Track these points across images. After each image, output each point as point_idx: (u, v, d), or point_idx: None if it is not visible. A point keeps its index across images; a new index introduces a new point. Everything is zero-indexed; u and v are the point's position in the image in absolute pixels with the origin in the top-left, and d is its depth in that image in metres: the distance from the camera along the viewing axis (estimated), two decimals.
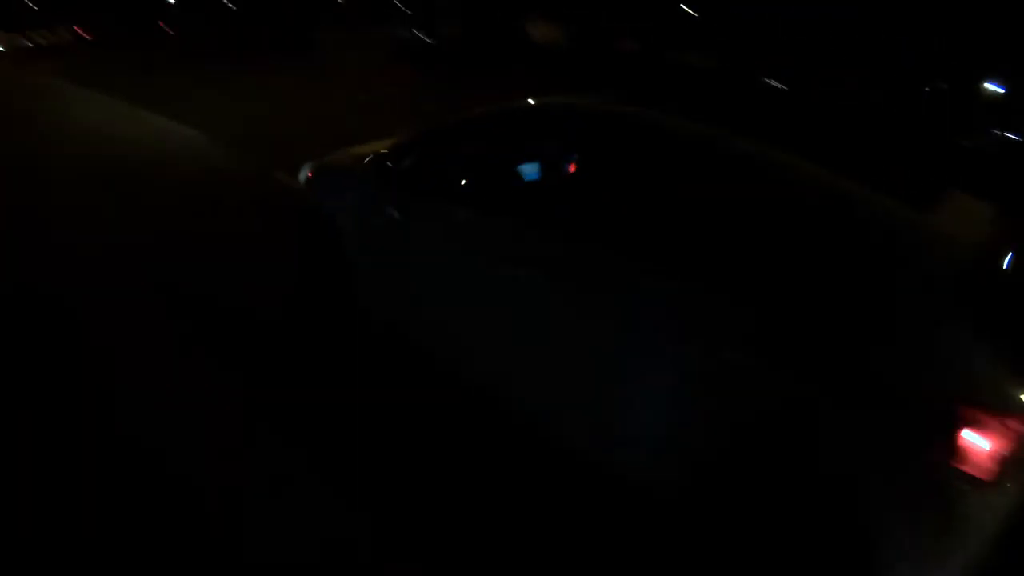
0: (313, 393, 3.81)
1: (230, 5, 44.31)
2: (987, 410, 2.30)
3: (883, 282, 2.56)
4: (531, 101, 3.74)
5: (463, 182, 3.96)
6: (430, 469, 3.33)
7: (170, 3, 44.17)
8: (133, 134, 9.52)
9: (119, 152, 8.34)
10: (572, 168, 3.54)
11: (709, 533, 2.86)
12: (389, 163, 4.21)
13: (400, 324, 4.23)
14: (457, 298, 3.77)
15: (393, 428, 3.59)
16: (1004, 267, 2.64)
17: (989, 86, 22.52)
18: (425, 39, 25.39)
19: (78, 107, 12.23)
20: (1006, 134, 18.95)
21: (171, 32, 38.56)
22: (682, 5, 29.92)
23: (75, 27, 37.59)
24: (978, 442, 2.28)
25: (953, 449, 2.29)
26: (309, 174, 4.94)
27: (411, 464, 3.35)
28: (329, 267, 4.48)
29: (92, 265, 4.85)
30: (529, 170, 3.80)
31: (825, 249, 2.70)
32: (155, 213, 6.33)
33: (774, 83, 21.31)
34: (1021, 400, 2.32)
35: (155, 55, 24.85)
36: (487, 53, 24.26)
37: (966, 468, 2.28)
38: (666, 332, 2.92)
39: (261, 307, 4.61)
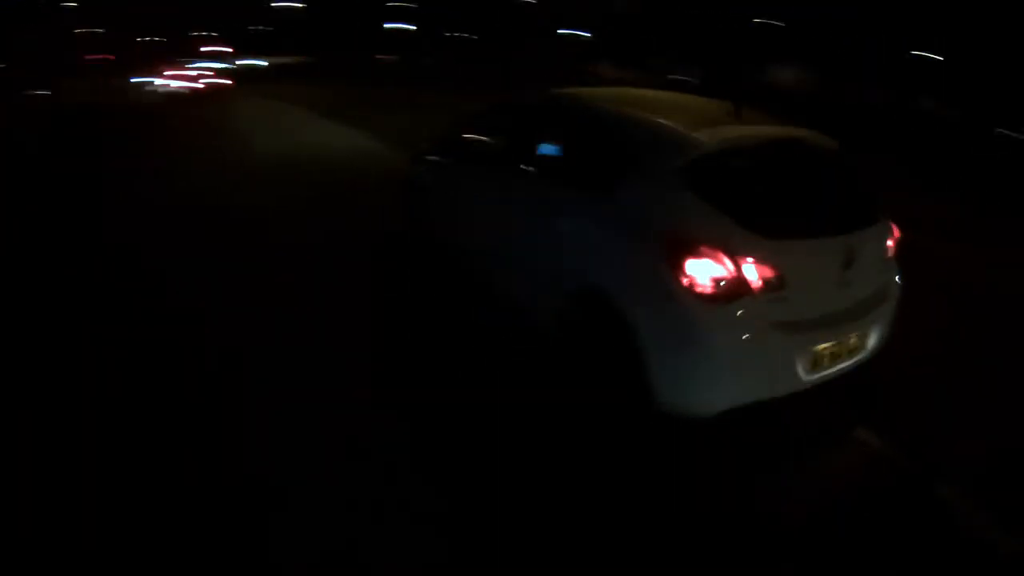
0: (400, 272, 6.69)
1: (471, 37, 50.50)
2: (709, 245, 3.48)
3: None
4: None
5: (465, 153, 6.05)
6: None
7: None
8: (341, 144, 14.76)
9: (331, 154, 13.49)
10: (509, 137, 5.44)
11: (568, 347, 4.29)
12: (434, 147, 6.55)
13: (448, 241, 6.20)
14: (466, 218, 5.76)
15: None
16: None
17: None
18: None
19: (312, 126, 18.03)
20: None
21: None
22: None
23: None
24: (706, 269, 3.47)
25: (687, 276, 3.50)
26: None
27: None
28: (417, 212, 6.83)
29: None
30: (491, 141, 5.68)
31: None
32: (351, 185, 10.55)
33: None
34: (742, 240, 3.50)
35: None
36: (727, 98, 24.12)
37: (699, 290, 3.45)
38: (538, 216, 4.61)
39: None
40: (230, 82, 35.36)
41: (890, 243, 4.28)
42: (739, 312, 3.46)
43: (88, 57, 44.63)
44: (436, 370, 4.71)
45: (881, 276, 4.23)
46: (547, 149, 4.88)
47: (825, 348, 3.72)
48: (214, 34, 55.06)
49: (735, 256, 3.47)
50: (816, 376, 3.74)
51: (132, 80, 33.47)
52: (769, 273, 3.50)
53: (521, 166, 4.98)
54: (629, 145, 4.14)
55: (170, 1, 53.29)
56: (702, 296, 3.46)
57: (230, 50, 48.14)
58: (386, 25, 59.44)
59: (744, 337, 3.46)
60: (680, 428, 3.66)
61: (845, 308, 3.91)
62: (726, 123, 4.16)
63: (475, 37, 54.93)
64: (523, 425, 4.03)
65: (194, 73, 36.05)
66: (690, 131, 3.95)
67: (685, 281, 3.49)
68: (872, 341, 4.07)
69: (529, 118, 5.32)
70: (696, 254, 3.50)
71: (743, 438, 3.84)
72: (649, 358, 3.61)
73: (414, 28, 58.73)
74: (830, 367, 3.80)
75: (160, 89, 32.25)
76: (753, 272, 3.47)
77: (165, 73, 35.01)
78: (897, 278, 4.37)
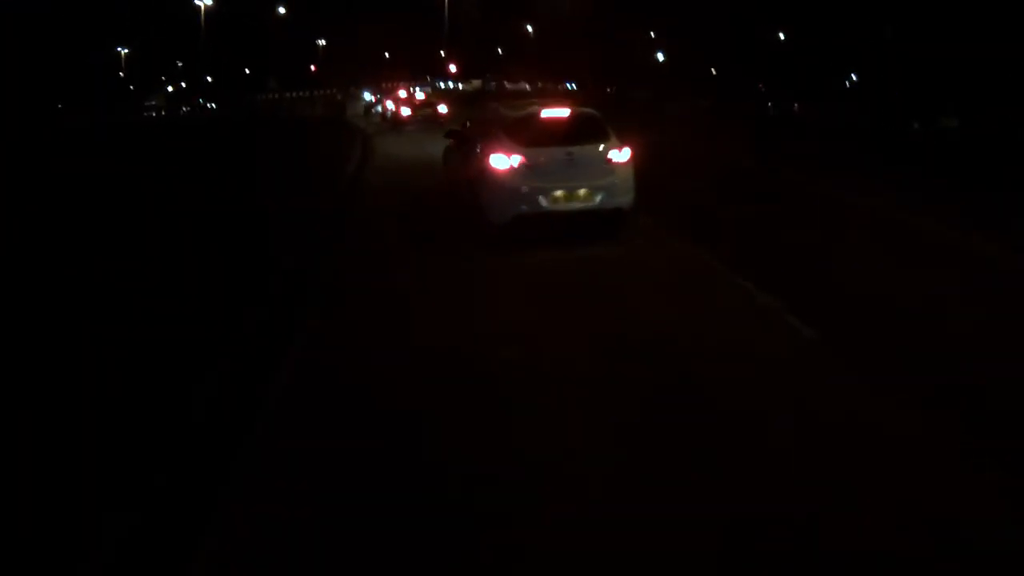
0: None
1: None
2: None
3: None
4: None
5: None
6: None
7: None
8: None
9: None
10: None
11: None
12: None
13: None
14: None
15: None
16: None
17: None
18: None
19: None
20: None
21: None
22: None
23: None
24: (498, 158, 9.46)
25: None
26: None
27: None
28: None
29: None
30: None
31: None
32: None
33: None
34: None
35: None
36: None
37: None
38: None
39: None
40: None
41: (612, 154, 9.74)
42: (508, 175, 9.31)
43: None
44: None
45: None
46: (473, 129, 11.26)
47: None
48: None
49: (509, 153, 9.31)
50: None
51: None
52: (523, 161, 9.26)
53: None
54: (491, 122, 10.31)
55: None
56: (493, 169, 9.38)
57: None
58: None
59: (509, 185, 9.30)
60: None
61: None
62: (530, 108, 10.29)
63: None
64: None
65: None
66: (509, 112, 10.07)
67: (488, 164, 9.47)
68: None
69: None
70: (493, 152, 9.45)
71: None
72: (480, 199, 9.70)
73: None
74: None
75: None
76: (516, 160, 9.26)
77: None
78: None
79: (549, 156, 9.46)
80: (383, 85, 70.27)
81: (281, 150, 23.34)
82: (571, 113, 10.07)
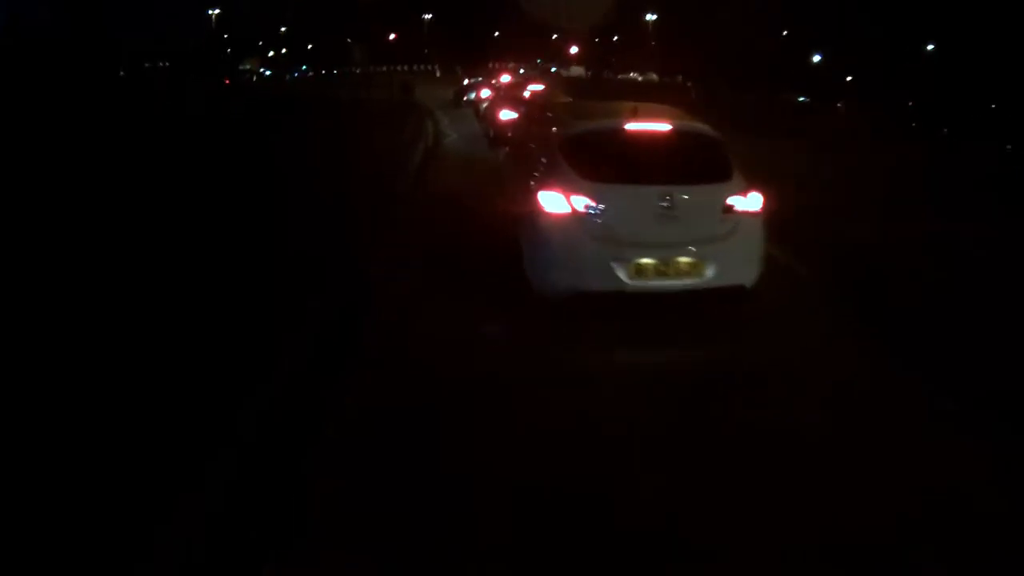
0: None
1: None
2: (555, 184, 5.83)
3: None
4: None
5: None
6: None
7: None
8: None
9: None
10: None
11: None
12: None
13: None
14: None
15: None
16: None
17: None
18: None
19: None
20: None
21: None
22: None
23: None
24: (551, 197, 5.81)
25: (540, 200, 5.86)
26: None
27: None
28: None
29: None
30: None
31: None
32: None
33: None
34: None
35: None
36: None
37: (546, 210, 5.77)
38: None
39: None
40: None
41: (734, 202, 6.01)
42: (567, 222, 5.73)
43: None
44: None
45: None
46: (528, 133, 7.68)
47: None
48: None
49: (568, 191, 5.73)
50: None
51: None
52: (592, 203, 5.69)
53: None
54: (548, 130, 6.65)
55: None
56: (546, 212, 5.78)
57: None
58: None
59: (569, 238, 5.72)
60: None
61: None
62: (608, 117, 6.53)
63: None
64: None
65: None
66: (572, 121, 6.33)
67: (539, 204, 5.83)
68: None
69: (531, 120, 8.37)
70: (547, 188, 5.85)
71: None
72: (524, 252, 6.09)
73: None
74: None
75: None
76: (580, 201, 5.69)
77: None
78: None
79: (635, 200, 5.87)
80: (490, 66, 67.00)
81: None
82: (674, 129, 6.28)
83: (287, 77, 78.63)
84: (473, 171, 12.57)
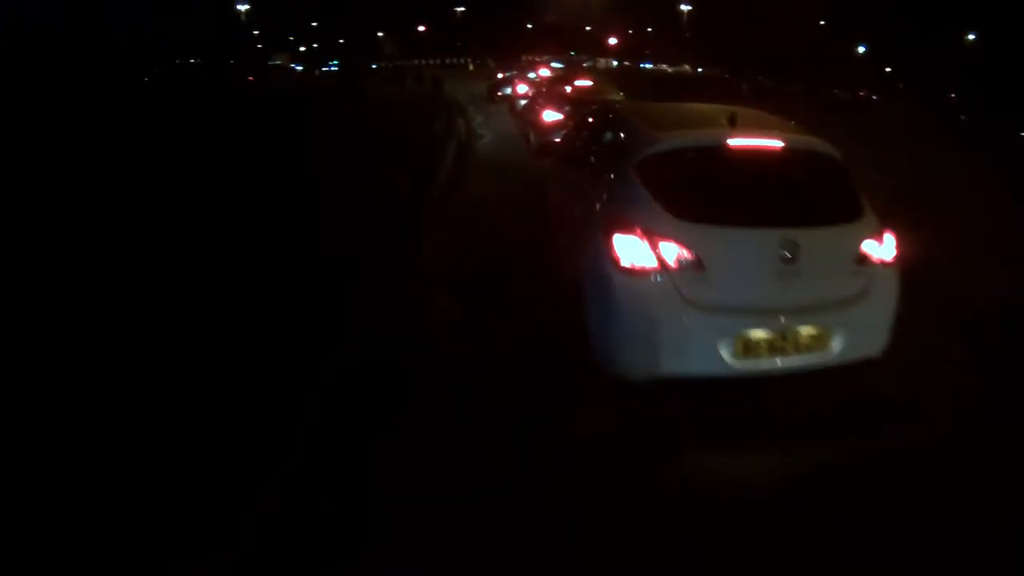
0: None
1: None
2: (635, 223, 4.25)
3: None
4: None
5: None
6: None
7: None
8: None
9: None
10: None
11: None
12: None
13: None
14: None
15: None
16: None
17: None
18: None
19: None
20: None
21: None
22: None
23: None
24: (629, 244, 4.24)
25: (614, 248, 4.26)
26: None
27: None
28: None
29: None
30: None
31: None
32: None
33: None
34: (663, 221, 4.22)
35: None
36: None
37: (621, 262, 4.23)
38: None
39: None
40: None
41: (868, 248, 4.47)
42: (652, 282, 4.15)
43: None
44: None
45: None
46: (586, 144, 6.03)
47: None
48: None
49: (654, 234, 4.17)
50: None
51: None
52: (686, 253, 4.13)
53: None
54: (618, 142, 5.03)
55: None
56: (621, 265, 4.20)
57: None
58: None
59: (656, 305, 4.15)
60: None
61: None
62: (706, 127, 4.81)
63: None
64: None
65: None
66: (654, 132, 4.69)
67: (612, 251, 4.25)
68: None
69: (588, 126, 6.56)
70: (623, 230, 4.25)
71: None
72: (588, 318, 4.49)
73: None
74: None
75: None
76: (670, 250, 4.14)
77: None
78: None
79: (747, 248, 4.29)
80: (523, 58, 65.09)
81: None
82: (788, 147, 4.62)
83: (316, 72, 77.60)
84: (513, 185, 10.48)
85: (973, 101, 36.60)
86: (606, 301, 4.30)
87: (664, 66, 71.51)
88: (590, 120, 6.62)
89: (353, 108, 23.87)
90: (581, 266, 4.70)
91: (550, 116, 13.31)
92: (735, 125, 4.69)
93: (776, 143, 4.59)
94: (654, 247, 4.15)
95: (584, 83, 16.58)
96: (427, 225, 8.40)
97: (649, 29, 79.60)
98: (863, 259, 4.42)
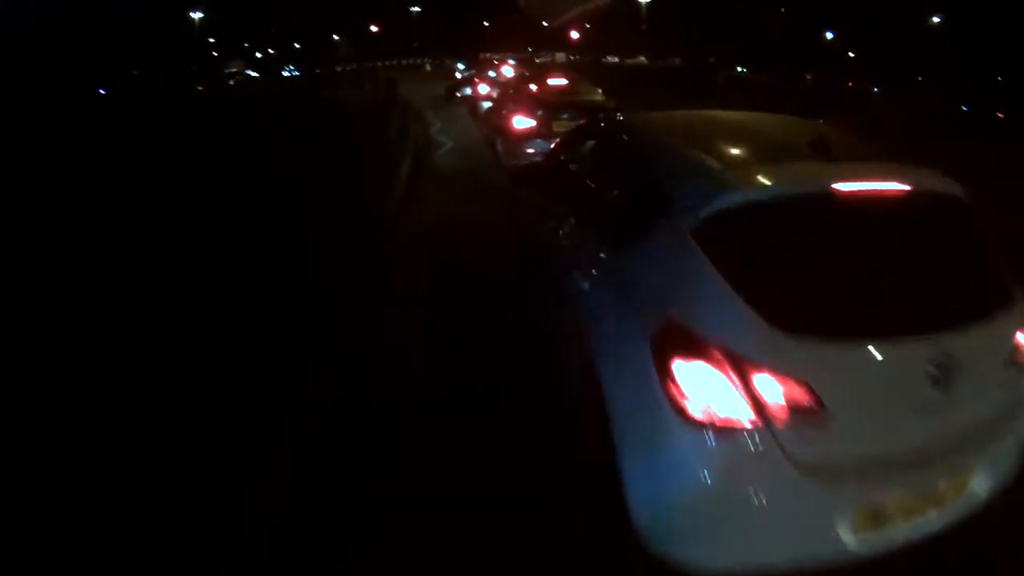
0: None
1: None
2: (708, 339, 2.56)
3: None
4: None
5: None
6: None
7: None
8: None
9: None
10: None
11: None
12: None
13: None
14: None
15: None
16: None
17: None
18: None
19: None
20: None
21: None
22: None
23: None
24: (699, 376, 2.56)
25: (673, 383, 2.60)
26: None
27: None
28: None
29: None
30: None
31: None
32: None
33: None
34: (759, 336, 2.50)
35: None
36: None
37: (685, 405, 2.52)
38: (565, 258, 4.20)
39: None
40: None
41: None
42: (741, 445, 2.43)
43: None
44: None
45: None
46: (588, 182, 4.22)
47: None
48: None
49: (743, 361, 2.44)
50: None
51: None
52: (797, 391, 2.42)
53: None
54: (651, 183, 3.24)
55: None
56: (689, 415, 2.48)
57: None
58: None
59: (748, 480, 2.43)
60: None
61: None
62: (792, 159, 3.05)
63: None
64: None
65: None
66: (725, 171, 2.93)
67: (670, 389, 2.52)
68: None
69: (589, 147, 4.69)
70: (688, 351, 2.52)
71: None
72: (627, 484, 2.70)
73: None
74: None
75: None
76: (770, 387, 2.42)
77: None
78: None
79: (882, 373, 2.53)
80: (481, 56, 62.89)
81: None
82: (912, 191, 2.88)
83: (281, 76, 75.13)
84: (481, 208, 8.49)
85: (970, 88, 35.35)
86: (661, 465, 2.56)
87: (613, 58, 69.28)
88: (590, 142, 4.74)
89: (301, 118, 21.60)
90: (605, 395, 2.88)
91: (521, 123, 11.32)
92: (829, 153, 2.98)
93: (898, 185, 2.89)
94: (746, 382, 2.42)
95: (557, 82, 14.09)
96: (367, 277, 6.42)
97: (606, 23, 78.23)
98: (1018, 359, 2.78)
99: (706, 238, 2.69)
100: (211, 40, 79.13)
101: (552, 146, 6.23)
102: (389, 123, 15.27)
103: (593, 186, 4.19)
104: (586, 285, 3.45)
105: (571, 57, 69.82)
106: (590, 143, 4.74)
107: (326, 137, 14.88)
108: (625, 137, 4.08)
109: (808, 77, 41.50)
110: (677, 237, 2.79)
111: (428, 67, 65.53)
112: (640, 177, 3.46)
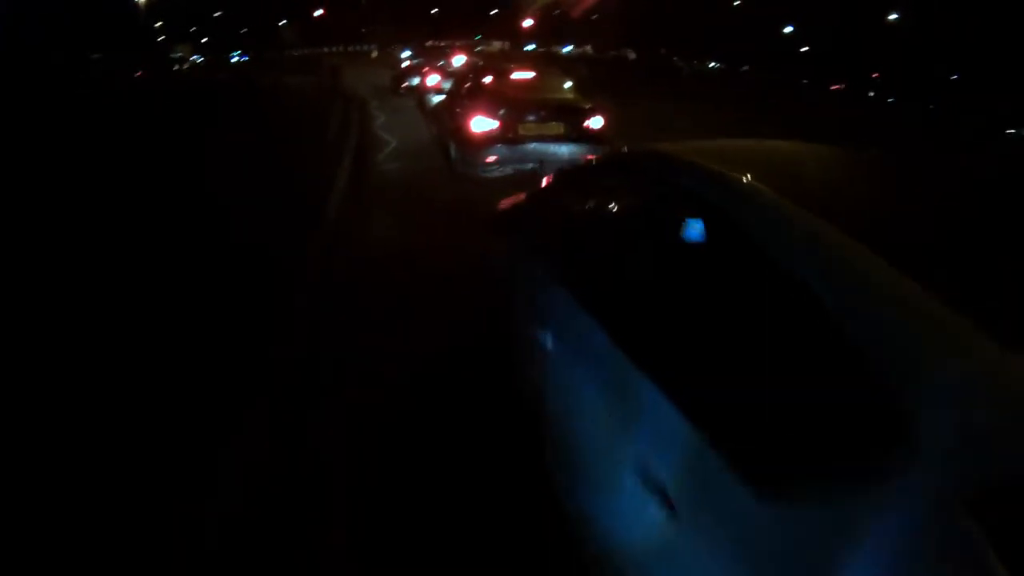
0: None
1: None
2: None
3: None
4: None
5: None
6: None
7: None
8: None
9: None
10: None
11: None
12: None
13: None
14: None
15: None
16: None
17: None
18: None
19: None
20: None
21: None
22: None
23: None
24: None
25: None
26: None
27: None
28: None
29: None
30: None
31: None
32: None
33: None
34: None
35: None
36: None
37: None
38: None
39: None
40: None
41: None
42: None
43: None
44: None
45: None
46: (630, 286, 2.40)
47: None
48: None
49: None
50: None
51: None
52: None
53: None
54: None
55: None
56: None
57: None
58: None
59: None
60: None
61: None
62: None
63: None
64: None
65: None
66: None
67: None
68: None
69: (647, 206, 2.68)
70: None
71: None
72: None
73: None
74: None
75: None
76: None
77: None
78: None
79: None
80: (427, 44, 60.63)
81: None
82: None
83: (230, 62, 72.37)
84: (435, 226, 7.39)
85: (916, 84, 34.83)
86: None
87: (560, 48, 67.75)
88: (611, 206, 2.90)
89: (231, 111, 19.62)
90: None
91: (479, 125, 9.45)
92: None
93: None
94: None
95: (523, 75, 11.34)
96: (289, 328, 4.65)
97: (558, 11, 76.90)
98: None
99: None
100: (157, 24, 76.58)
101: (563, 180, 3.89)
102: (329, 119, 13.45)
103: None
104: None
105: (512, 47, 67.91)
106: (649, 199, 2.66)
107: (255, 136, 13.05)
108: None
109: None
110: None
111: (375, 54, 63.52)
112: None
